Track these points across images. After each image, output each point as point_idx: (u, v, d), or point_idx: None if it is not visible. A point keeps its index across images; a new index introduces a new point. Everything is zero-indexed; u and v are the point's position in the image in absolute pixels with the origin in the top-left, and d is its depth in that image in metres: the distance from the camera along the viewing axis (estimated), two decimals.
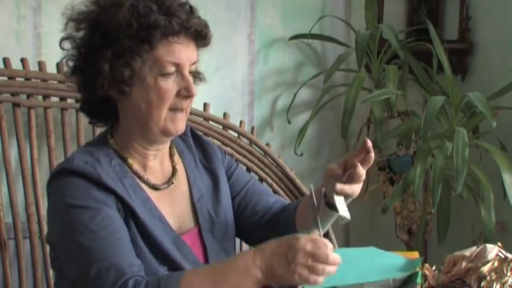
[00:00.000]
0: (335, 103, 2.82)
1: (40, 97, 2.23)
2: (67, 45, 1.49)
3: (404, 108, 2.76)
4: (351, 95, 2.56)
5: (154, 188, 1.52)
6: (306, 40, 2.81)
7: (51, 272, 2.18)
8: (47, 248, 2.17)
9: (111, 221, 1.40)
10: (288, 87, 2.82)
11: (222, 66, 2.63)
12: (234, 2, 2.67)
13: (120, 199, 1.43)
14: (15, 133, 2.18)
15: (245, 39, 2.70)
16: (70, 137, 2.26)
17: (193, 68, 1.48)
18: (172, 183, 1.55)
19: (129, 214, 1.44)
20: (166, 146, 1.57)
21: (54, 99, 2.25)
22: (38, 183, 2.18)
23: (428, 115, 2.36)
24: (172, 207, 1.54)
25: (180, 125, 1.49)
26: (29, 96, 2.20)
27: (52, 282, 2.17)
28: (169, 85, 1.44)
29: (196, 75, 1.54)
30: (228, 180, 1.68)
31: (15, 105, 2.18)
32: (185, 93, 1.46)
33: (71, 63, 1.49)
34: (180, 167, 1.60)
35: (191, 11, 1.48)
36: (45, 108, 2.24)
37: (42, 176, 2.23)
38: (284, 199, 1.83)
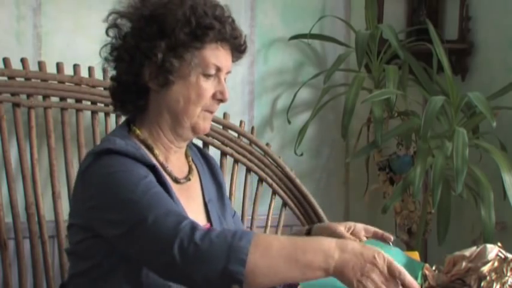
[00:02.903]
0: (335, 103, 2.82)
1: (40, 97, 2.23)
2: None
3: (404, 108, 2.76)
4: (351, 95, 2.56)
5: (176, 180, 1.59)
6: (306, 40, 2.81)
7: (51, 272, 2.18)
8: (47, 248, 2.18)
9: (157, 186, 1.45)
10: (288, 87, 2.82)
11: None
12: (234, 2, 2.66)
13: (159, 180, 1.49)
14: (15, 133, 2.18)
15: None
16: (70, 137, 2.25)
17: (226, 76, 1.60)
18: (189, 179, 1.63)
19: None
20: (185, 145, 1.65)
21: (54, 99, 2.25)
22: (38, 183, 2.18)
23: (428, 115, 2.36)
24: (188, 202, 1.59)
25: (208, 124, 1.60)
26: (29, 96, 2.20)
27: (52, 282, 2.17)
28: (208, 86, 1.55)
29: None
30: None
31: (15, 105, 2.18)
32: (220, 97, 1.57)
33: (114, 51, 1.58)
34: (193, 165, 1.68)
35: (234, 23, 1.60)
36: (45, 108, 2.24)
37: (42, 176, 2.23)
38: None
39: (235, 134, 2.50)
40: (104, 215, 1.44)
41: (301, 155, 2.74)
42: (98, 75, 2.30)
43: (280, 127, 2.81)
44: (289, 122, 2.78)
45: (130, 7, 1.57)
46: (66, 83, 2.26)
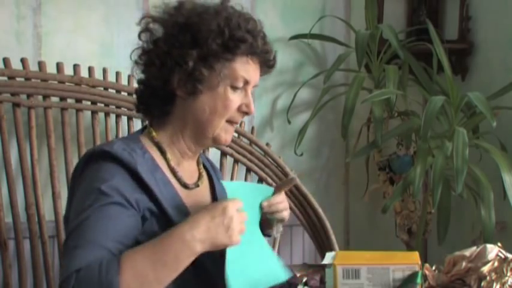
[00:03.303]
0: (335, 103, 2.82)
1: (40, 97, 2.23)
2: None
3: (404, 108, 2.76)
4: (351, 95, 2.56)
5: (185, 186, 1.60)
6: (306, 40, 2.81)
7: (51, 272, 2.18)
8: (47, 248, 2.18)
9: (115, 208, 1.44)
10: (288, 87, 2.82)
11: None
12: (234, 2, 2.66)
13: (149, 192, 1.49)
14: (15, 133, 2.18)
15: None
16: (70, 137, 2.26)
17: (253, 90, 1.62)
18: (198, 186, 1.64)
19: (158, 208, 1.50)
20: (200, 152, 1.68)
21: (54, 99, 2.25)
22: (38, 184, 2.18)
23: (428, 115, 2.36)
24: (196, 208, 1.58)
25: (230, 136, 1.61)
26: (29, 96, 2.21)
27: (52, 282, 2.18)
28: (235, 98, 1.57)
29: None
30: None
31: (15, 105, 2.18)
32: (245, 109, 1.59)
33: (144, 55, 1.59)
34: (203, 172, 1.69)
35: (266, 38, 1.62)
36: (45, 108, 2.24)
37: (42, 176, 2.23)
38: None
39: (235, 134, 2.50)
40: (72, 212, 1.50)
41: (301, 155, 2.74)
42: (98, 75, 2.30)
43: (280, 127, 2.81)
44: (289, 122, 2.78)
45: (165, 13, 1.59)
46: (66, 83, 2.26)
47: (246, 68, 1.56)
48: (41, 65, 2.24)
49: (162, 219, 1.49)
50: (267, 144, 2.58)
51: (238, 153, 2.49)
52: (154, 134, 1.59)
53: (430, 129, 2.40)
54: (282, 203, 1.60)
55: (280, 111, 2.80)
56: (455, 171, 2.27)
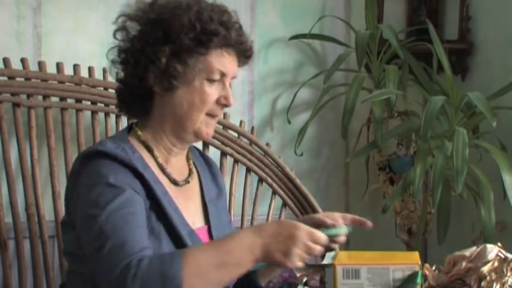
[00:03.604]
0: (335, 103, 2.82)
1: (40, 97, 2.23)
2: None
3: (404, 108, 2.76)
4: (351, 95, 2.56)
5: (175, 183, 1.60)
6: (306, 40, 2.81)
7: (51, 272, 2.18)
8: (47, 248, 2.18)
9: (132, 204, 1.45)
10: (288, 87, 2.82)
11: None
12: (234, 2, 2.65)
13: (145, 186, 1.50)
14: (15, 133, 2.18)
15: None
16: (70, 137, 2.25)
17: (231, 81, 1.61)
18: (188, 182, 1.64)
19: (153, 202, 1.50)
20: (187, 148, 1.67)
21: (54, 99, 2.25)
22: (38, 183, 2.18)
23: (428, 115, 2.36)
24: (186, 204, 1.60)
25: (211, 130, 1.61)
26: (29, 96, 2.20)
27: (52, 282, 2.17)
28: (212, 91, 1.56)
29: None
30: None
31: (15, 105, 2.18)
32: (224, 102, 1.58)
33: (122, 54, 1.59)
34: (193, 168, 1.69)
35: (241, 29, 1.61)
36: (45, 108, 2.23)
37: (42, 176, 2.23)
38: None
39: (235, 134, 2.50)
40: (80, 221, 1.47)
41: (301, 155, 2.74)
42: (98, 75, 2.30)
43: (280, 127, 2.81)
44: (289, 122, 2.78)
45: (139, 10, 1.59)
46: (66, 83, 2.25)
47: (222, 61, 1.56)
48: (41, 65, 2.24)
49: (159, 214, 1.50)
50: (267, 144, 2.58)
51: (238, 153, 2.48)
52: (140, 132, 1.60)
53: (430, 129, 2.40)
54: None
55: (280, 111, 2.80)
56: (455, 171, 2.27)
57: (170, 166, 1.61)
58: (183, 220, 1.56)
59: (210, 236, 1.63)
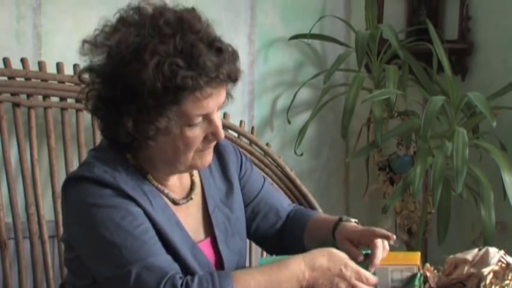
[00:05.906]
0: (335, 103, 2.82)
1: (40, 97, 2.23)
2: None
3: (404, 108, 2.76)
4: (351, 95, 2.56)
5: (174, 202, 1.51)
6: (306, 40, 2.81)
7: (51, 272, 2.18)
8: (47, 248, 2.18)
9: (142, 220, 1.40)
10: (288, 87, 2.82)
11: None
12: (234, 2, 2.67)
13: (139, 207, 1.42)
14: (15, 133, 2.18)
15: (245, 39, 2.69)
16: (70, 137, 2.25)
17: (221, 106, 1.45)
18: (191, 198, 1.55)
19: (150, 221, 1.43)
20: None
21: (54, 99, 2.25)
22: (38, 183, 2.18)
23: (428, 115, 2.36)
24: (187, 218, 1.53)
25: (207, 159, 1.48)
26: (29, 96, 2.20)
27: (52, 282, 2.17)
28: (196, 133, 1.41)
29: (228, 97, 1.50)
30: (242, 187, 1.69)
31: (15, 105, 2.18)
32: (212, 138, 1.44)
33: (92, 98, 1.43)
34: (196, 178, 1.59)
35: (221, 52, 1.40)
36: (45, 108, 2.23)
37: (42, 176, 2.23)
38: (291, 203, 1.87)
39: (235, 134, 2.50)
40: (87, 250, 1.42)
41: (301, 155, 2.74)
42: None
43: (280, 127, 2.81)
44: (289, 122, 2.78)
45: (102, 45, 1.40)
46: (66, 83, 2.25)
47: (200, 105, 1.37)
48: (41, 65, 2.24)
49: (156, 232, 1.42)
50: (267, 144, 2.58)
51: None
52: (129, 156, 1.47)
53: (430, 129, 2.40)
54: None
55: (280, 111, 2.80)
56: (455, 171, 2.27)
57: (168, 186, 1.51)
58: (185, 233, 1.49)
59: (215, 248, 1.57)
